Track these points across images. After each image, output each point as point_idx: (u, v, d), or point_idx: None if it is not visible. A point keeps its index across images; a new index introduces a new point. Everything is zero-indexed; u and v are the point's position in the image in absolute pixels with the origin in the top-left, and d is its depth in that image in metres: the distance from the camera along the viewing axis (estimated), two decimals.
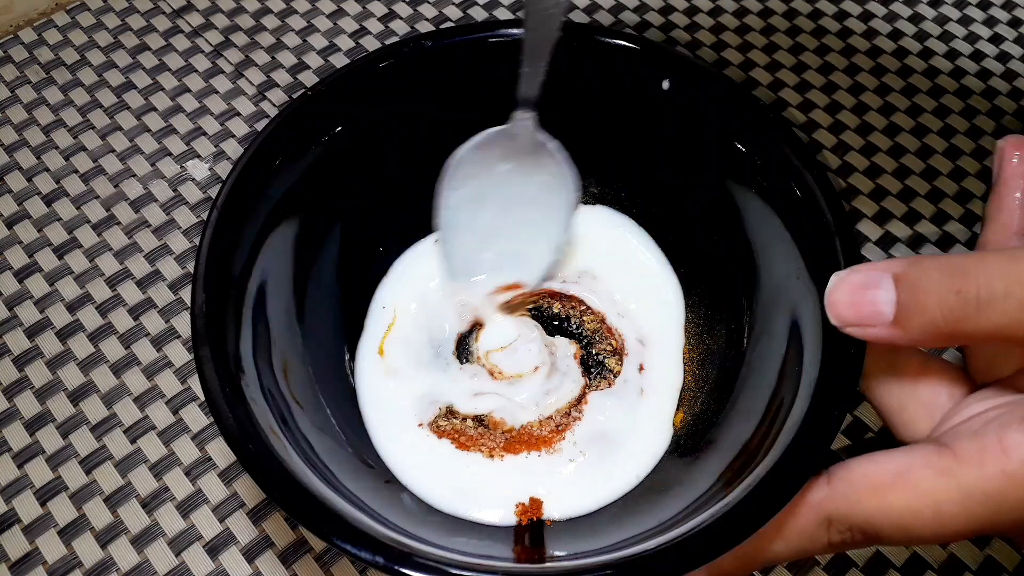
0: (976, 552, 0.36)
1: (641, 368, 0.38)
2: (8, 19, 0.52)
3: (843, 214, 0.31)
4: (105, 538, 0.37)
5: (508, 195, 0.37)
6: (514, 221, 0.38)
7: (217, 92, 0.50)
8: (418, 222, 0.40)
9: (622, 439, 0.36)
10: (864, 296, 0.24)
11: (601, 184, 0.41)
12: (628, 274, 0.40)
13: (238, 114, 0.49)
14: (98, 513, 0.37)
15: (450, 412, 0.37)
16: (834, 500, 0.25)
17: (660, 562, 0.25)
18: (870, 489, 0.25)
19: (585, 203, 0.41)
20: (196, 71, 0.51)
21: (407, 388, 0.37)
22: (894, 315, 0.24)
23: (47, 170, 0.47)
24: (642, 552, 0.26)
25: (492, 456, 0.35)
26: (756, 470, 0.27)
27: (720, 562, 0.25)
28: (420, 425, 0.36)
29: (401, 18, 0.53)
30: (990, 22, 0.54)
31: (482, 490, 0.34)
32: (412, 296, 0.39)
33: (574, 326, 0.39)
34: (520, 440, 0.36)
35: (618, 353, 0.38)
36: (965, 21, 0.54)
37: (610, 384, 0.37)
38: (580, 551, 0.30)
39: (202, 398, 0.40)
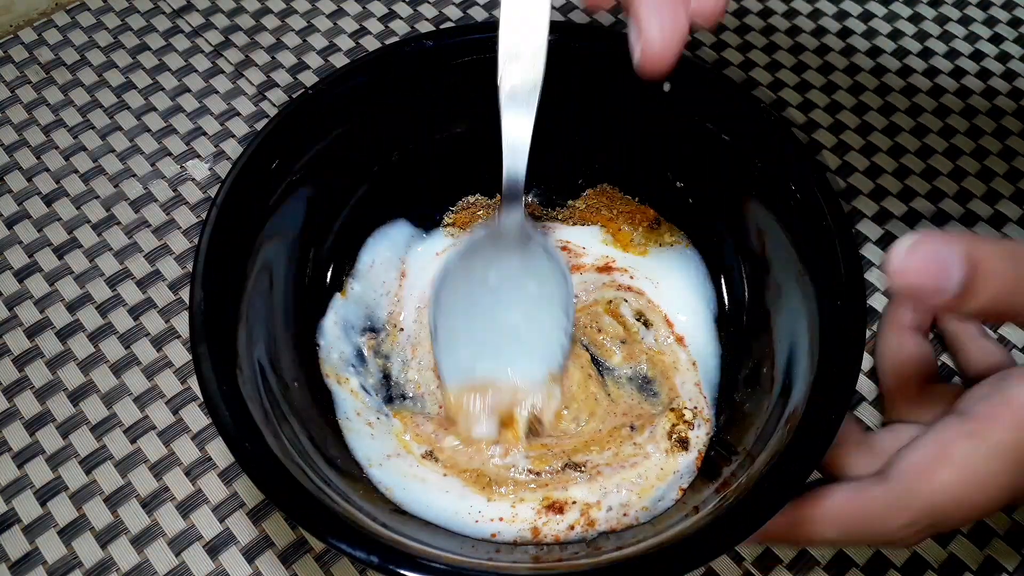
0: (976, 552, 0.36)
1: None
2: (8, 19, 0.52)
3: (843, 214, 0.31)
4: (105, 538, 0.37)
5: (503, 297, 0.36)
6: (512, 322, 0.36)
7: (217, 92, 0.50)
8: (418, 223, 0.40)
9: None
10: (938, 264, 0.24)
11: (600, 185, 0.41)
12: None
13: (238, 114, 0.49)
14: (98, 513, 0.37)
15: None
16: (894, 492, 0.28)
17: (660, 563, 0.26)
18: (920, 475, 0.28)
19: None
20: (196, 71, 0.51)
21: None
22: (961, 286, 0.24)
23: (47, 170, 0.47)
24: (652, 546, 0.26)
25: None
26: (754, 470, 0.28)
27: (767, 529, 0.26)
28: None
29: (401, 18, 0.53)
30: (990, 22, 0.54)
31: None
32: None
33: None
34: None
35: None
36: (965, 21, 0.54)
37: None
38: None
39: (201, 397, 0.40)
